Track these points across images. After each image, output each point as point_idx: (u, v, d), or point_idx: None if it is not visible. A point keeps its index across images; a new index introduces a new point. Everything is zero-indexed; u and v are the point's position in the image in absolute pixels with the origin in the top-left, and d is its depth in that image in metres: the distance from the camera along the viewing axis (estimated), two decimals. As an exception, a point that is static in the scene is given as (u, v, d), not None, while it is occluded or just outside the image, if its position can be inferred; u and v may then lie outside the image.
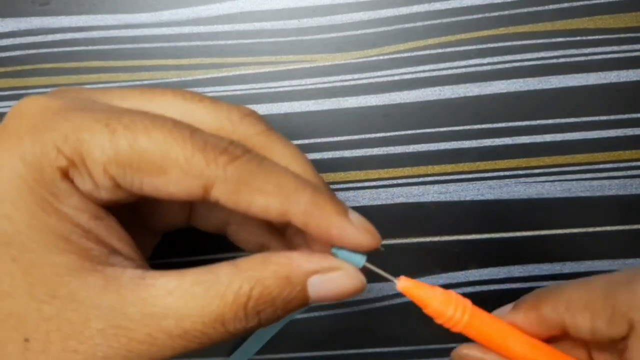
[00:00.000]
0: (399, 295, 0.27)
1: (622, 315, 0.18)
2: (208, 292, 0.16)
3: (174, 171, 0.16)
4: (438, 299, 0.19)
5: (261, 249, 0.21)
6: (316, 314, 0.27)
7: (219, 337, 0.16)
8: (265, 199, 0.16)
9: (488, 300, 0.27)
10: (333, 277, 0.17)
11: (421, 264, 0.27)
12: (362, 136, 0.27)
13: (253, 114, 0.19)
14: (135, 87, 0.19)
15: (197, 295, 0.16)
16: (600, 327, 0.18)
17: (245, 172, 0.16)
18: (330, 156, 0.27)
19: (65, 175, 0.16)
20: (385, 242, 0.27)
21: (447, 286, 0.27)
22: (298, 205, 0.16)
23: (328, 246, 0.17)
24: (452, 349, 0.27)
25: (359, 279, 0.17)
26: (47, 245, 0.15)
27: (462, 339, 0.27)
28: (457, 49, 0.27)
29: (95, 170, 0.16)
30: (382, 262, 0.27)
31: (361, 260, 0.17)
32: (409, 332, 0.27)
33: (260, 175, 0.16)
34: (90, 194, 0.16)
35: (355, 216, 0.17)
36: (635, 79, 0.27)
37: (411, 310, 0.27)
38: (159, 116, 0.17)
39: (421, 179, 0.27)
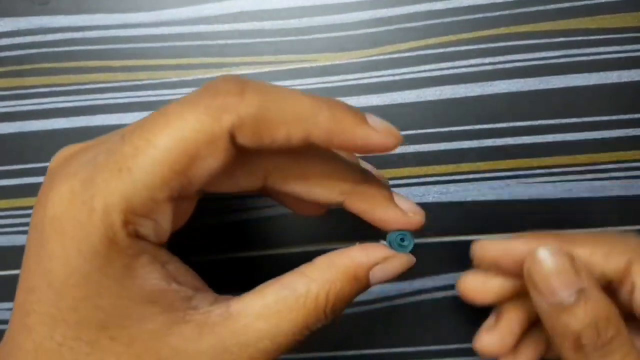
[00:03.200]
0: (400, 296, 0.27)
1: (620, 252, 0.20)
2: (292, 307, 0.18)
3: (206, 158, 0.16)
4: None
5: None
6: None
7: (304, 338, 0.18)
8: (285, 129, 0.16)
9: (489, 301, 0.27)
10: (388, 265, 0.19)
11: (422, 264, 0.27)
12: (363, 136, 0.27)
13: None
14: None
15: (282, 313, 0.17)
16: (598, 260, 0.20)
17: (259, 107, 0.16)
18: (331, 156, 0.27)
19: (132, 235, 0.16)
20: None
21: (447, 287, 0.27)
22: (318, 127, 0.16)
23: (354, 154, 0.19)
24: (452, 350, 0.27)
25: (409, 259, 0.20)
26: (138, 316, 0.16)
27: (457, 341, 0.27)
28: (458, 48, 0.27)
29: (154, 211, 0.16)
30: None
31: (408, 245, 0.20)
32: (409, 333, 0.27)
33: (273, 107, 0.16)
34: (154, 236, 0.17)
35: (375, 120, 0.18)
36: (637, 79, 0.26)
37: (411, 312, 0.27)
38: (144, 125, 0.16)
39: (422, 179, 0.27)
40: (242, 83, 0.16)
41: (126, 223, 0.16)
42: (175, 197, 0.16)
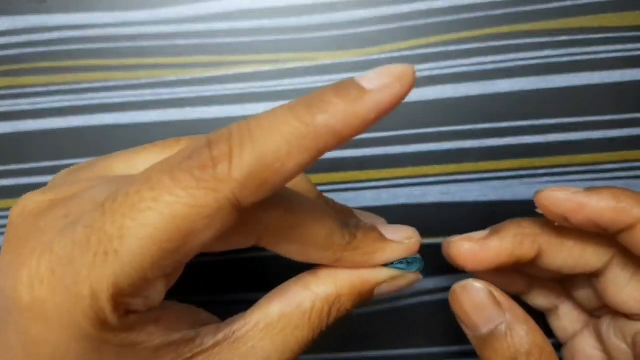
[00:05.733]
0: (401, 297, 0.27)
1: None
2: (297, 324, 0.18)
3: (203, 231, 0.14)
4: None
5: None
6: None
7: (308, 349, 0.18)
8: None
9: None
10: (395, 283, 0.19)
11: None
12: (363, 135, 0.26)
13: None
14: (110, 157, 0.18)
15: (288, 330, 0.17)
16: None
17: (256, 159, 0.14)
18: (331, 156, 0.27)
19: (123, 313, 0.15)
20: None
21: (449, 288, 0.27)
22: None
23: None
24: (453, 352, 0.27)
25: (415, 277, 0.20)
26: None
27: (457, 343, 0.27)
28: (459, 47, 0.26)
29: (146, 289, 0.15)
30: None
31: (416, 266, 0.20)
32: (411, 335, 0.27)
33: (267, 150, 0.14)
34: (146, 306, 0.16)
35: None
36: (639, 78, 0.26)
37: (412, 313, 0.27)
38: (127, 197, 0.14)
39: (423, 180, 0.27)
40: (226, 139, 0.14)
41: (116, 306, 0.14)
42: (168, 272, 0.15)
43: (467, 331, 0.19)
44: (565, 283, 0.23)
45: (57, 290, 0.14)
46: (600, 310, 0.22)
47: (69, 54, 0.27)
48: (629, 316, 0.21)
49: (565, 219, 0.19)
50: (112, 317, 0.14)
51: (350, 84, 0.15)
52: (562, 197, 0.19)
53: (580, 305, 0.23)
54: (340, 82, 0.15)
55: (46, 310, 0.14)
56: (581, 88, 0.26)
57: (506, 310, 0.19)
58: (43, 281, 0.14)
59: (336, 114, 0.14)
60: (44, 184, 0.27)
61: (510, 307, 0.19)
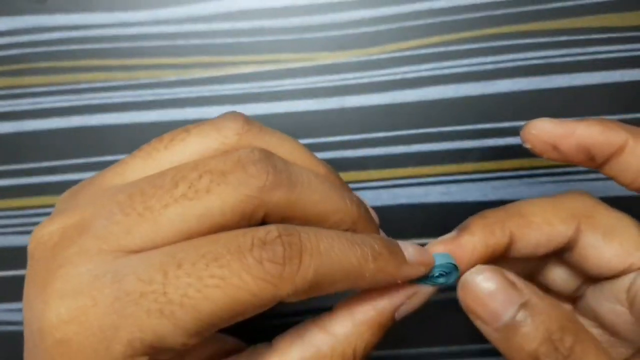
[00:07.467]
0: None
1: (572, 215, 0.20)
2: None
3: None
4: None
5: None
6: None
7: None
8: (334, 288, 0.17)
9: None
10: (413, 300, 0.19)
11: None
12: (364, 136, 0.27)
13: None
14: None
15: None
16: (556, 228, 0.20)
17: (314, 277, 0.16)
18: (332, 156, 0.27)
19: None
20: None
21: (450, 287, 0.27)
22: (364, 280, 0.17)
23: None
24: (455, 352, 0.27)
25: (431, 289, 0.19)
26: None
27: (459, 342, 0.27)
28: (460, 47, 0.26)
29: (180, 353, 0.16)
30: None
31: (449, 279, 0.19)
32: (413, 334, 0.27)
33: (326, 273, 0.16)
34: (171, 357, 0.16)
35: (409, 252, 0.18)
36: (639, 78, 0.26)
37: (413, 313, 0.27)
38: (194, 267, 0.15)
39: (424, 180, 0.27)
40: (298, 246, 0.15)
41: (149, 358, 0.15)
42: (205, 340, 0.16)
43: (484, 327, 0.18)
44: (538, 277, 0.23)
45: (87, 332, 0.15)
46: (579, 289, 0.22)
47: (69, 54, 0.27)
48: (613, 276, 0.20)
49: (555, 148, 0.19)
50: None
51: (400, 253, 0.18)
52: (551, 125, 0.19)
53: (560, 296, 0.22)
54: (393, 245, 0.18)
55: (73, 349, 0.15)
56: (582, 88, 0.26)
57: (523, 289, 0.18)
58: (72, 321, 0.15)
59: (382, 271, 0.17)
60: (43, 184, 0.27)
61: (526, 284, 0.18)
